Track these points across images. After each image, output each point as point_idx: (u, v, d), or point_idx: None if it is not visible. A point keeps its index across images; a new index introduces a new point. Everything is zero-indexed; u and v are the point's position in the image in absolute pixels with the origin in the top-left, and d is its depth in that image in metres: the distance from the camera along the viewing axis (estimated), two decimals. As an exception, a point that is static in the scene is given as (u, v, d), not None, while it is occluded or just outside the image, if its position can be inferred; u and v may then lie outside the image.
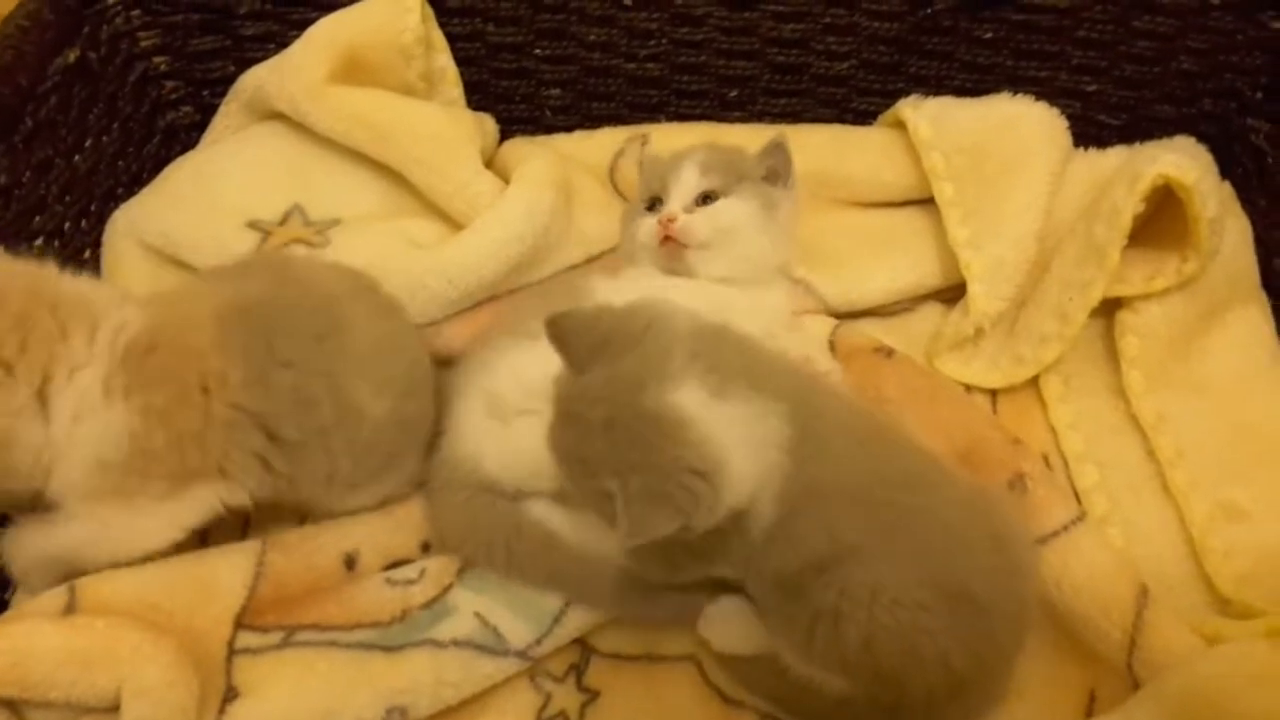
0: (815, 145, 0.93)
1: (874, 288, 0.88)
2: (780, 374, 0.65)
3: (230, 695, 0.62)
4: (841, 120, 0.98)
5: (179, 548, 0.68)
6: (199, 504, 0.66)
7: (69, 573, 0.65)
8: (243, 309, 0.69)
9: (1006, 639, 0.64)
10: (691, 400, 0.60)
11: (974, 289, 0.83)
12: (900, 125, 0.92)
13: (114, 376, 0.63)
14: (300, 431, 0.67)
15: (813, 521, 0.62)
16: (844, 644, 0.61)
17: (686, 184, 0.82)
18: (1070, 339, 0.81)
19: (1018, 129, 0.88)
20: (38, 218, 0.85)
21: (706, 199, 0.82)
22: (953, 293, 0.89)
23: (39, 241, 0.85)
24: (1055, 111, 0.89)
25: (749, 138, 0.92)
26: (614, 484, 0.59)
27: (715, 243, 0.81)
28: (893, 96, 0.94)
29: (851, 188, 0.93)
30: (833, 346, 0.83)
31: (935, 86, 0.95)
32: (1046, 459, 0.80)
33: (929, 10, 0.92)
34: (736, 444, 0.60)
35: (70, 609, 0.63)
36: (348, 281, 0.76)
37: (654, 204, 0.84)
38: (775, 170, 0.84)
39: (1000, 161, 0.87)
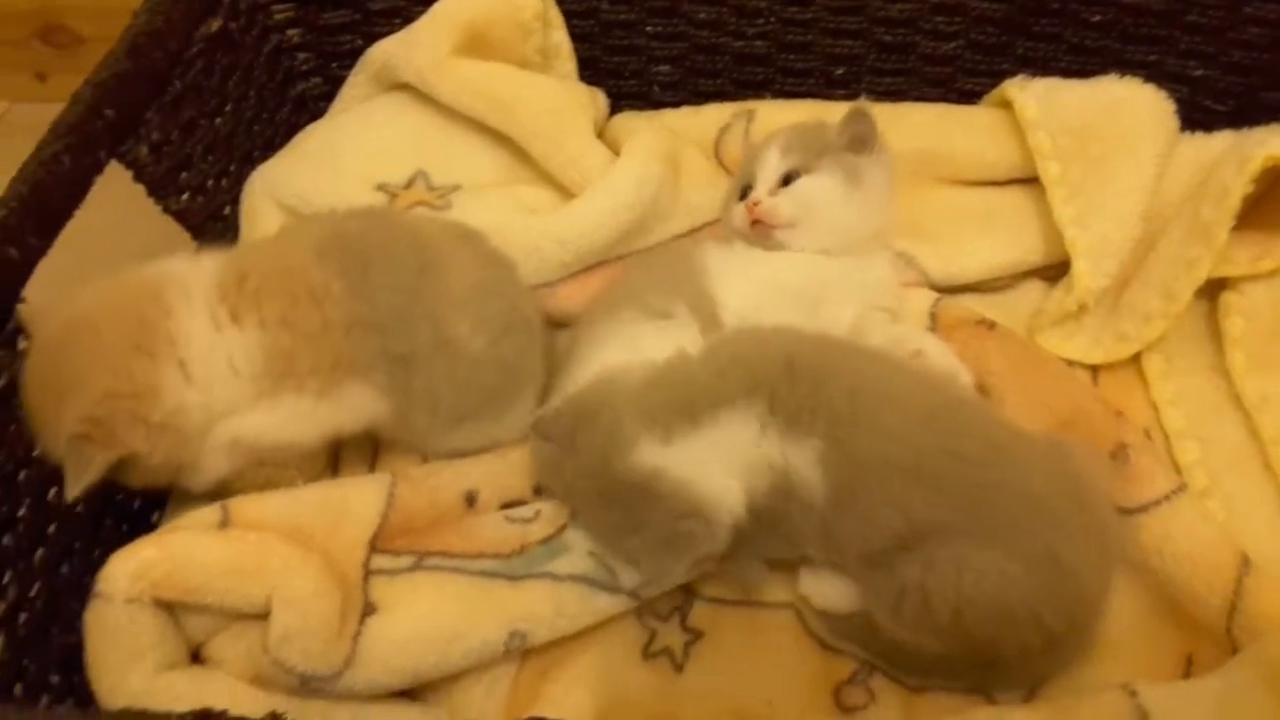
0: (919, 123, 0.95)
1: (976, 263, 0.89)
2: (754, 364, 0.69)
3: (368, 610, 0.67)
4: (946, 100, 1.00)
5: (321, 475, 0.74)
6: (351, 402, 0.72)
7: (240, 463, 0.72)
8: (340, 236, 0.75)
9: (1094, 594, 0.66)
10: (649, 455, 0.67)
11: (1079, 265, 0.84)
12: (1005, 105, 0.93)
13: (216, 311, 0.70)
14: (406, 348, 0.73)
15: (880, 499, 0.64)
16: (933, 615, 0.64)
17: (770, 167, 0.85)
18: (1175, 317, 0.82)
19: (1125, 111, 0.89)
20: (184, 174, 0.91)
21: (789, 179, 0.84)
22: (1054, 271, 0.90)
23: (185, 196, 0.91)
24: (1163, 94, 0.90)
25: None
26: (632, 542, 0.67)
27: (800, 220, 0.83)
28: (998, 77, 0.95)
29: (955, 166, 0.95)
30: (934, 319, 0.85)
31: (1041, 68, 0.97)
32: (1148, 434, 0.80)
33: (1039, -9, 0.94)
34: (698, 471, 0.67)
35: (224, 524, 0.69)
36: (450, 231, 0.82)
37: (745, 191, 0.87)
38: (859, 138, 0.86)
39: (1106, 142, 0.88)
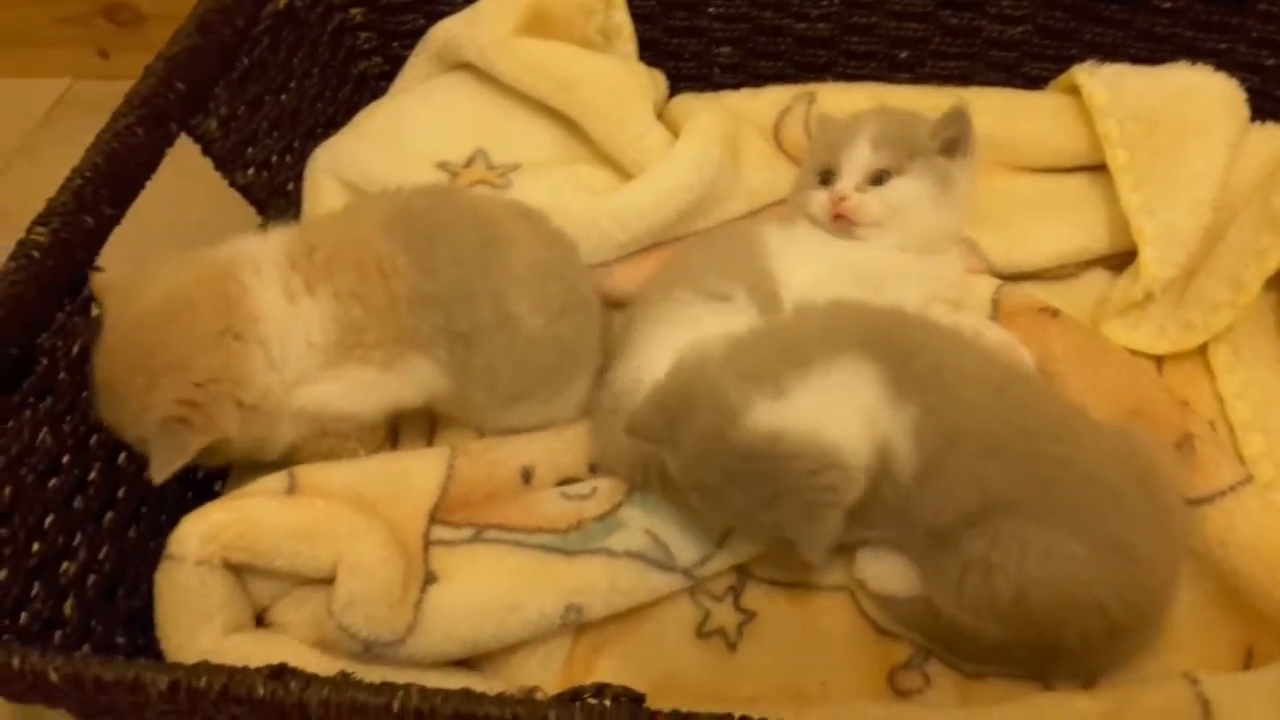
0: (985, 109, 0.93)
1: (1039, 250, 0.89)
2: (850, 326, 0.67)
3: (429, 579, 0.68)
4: (1011, 85, 0.99)
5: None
6: (413, 375, 0.74)
7: (305, 432, 0.73)
8: (406, 213, 0.76)
9: (1161, 584, 0.65)
10: (764, 416, 0.63)
11: (1146, 254, 0.83)
12: (1072, 91, 0.92)
13: (290, 283, 0.71)
14: (467, 324, 0.74)
15: (961, 473, 0.64)
16: (995, 595, 0.63)
17: (859, 160, 0.82)
18: (1243, 307, 0.81)
19: (1195, 98, 0.88)
20: (250, 149, 0.93)
21: (879, 177, 0.82)
22: (1119, 260, 0.89)
23: (250, 170, 0.93)
24: (1234, 83, 0.88)
25: (916, 99, 0.94)
26: (771, 516, 0.63)
27: (886, 221, 0.82)
28: (1065, 63, 0.94)
29: (1020, 152, 0.94)
30: (996, 306, 0.84)
31: (1109, 54, 0.95)
32: (1213, 425, 0.79)
33: (1108, -23, 0.93)
34: (822, 417, 0.63)
35: (291, 491, 0.70)
36: (512, 210, 0.83)
37: (826, 176, 0.84)
38: (953, 141, 0.83)
39: (1176, 129, 0.87)
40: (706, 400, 0.64)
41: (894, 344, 0.66)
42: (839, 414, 0.63)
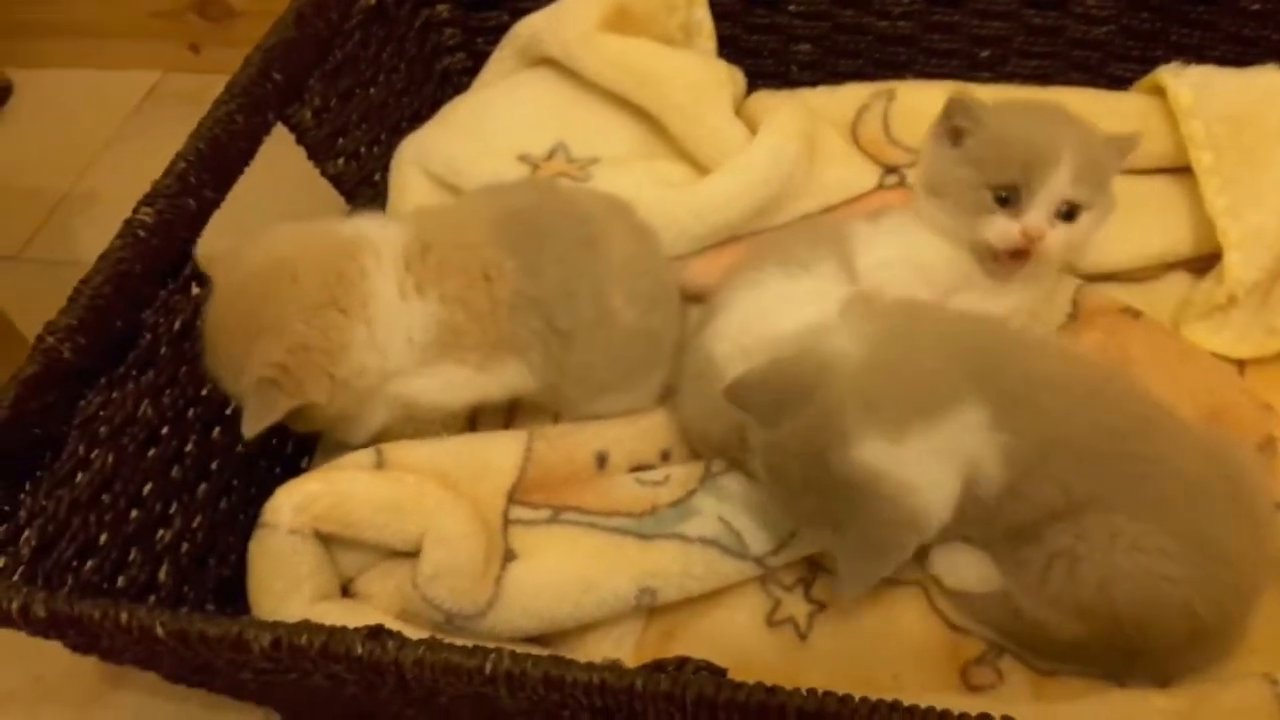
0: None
1: (1121, 251, 0.88)
2: (965, 355, 0.65)
3: (509, 556, 0.70)
4: (1094, 85, 0.97)
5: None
6: (504, 376, 0.76)
7: (397, 416, 0.76)
8: (515, 213, 0.78)
9: (1248, 588, 0.65)
10: (874, 454, 0.61)
11: (1231, 257, 0.82)
12: (1156, 92, 0.91)
13: (404, 281, 0.73)
14: (568, 322, 0.76)
15: (1042, 477, 0.63)
16: (1081, 587, 0.63)
17: (1057, 189, 0.73)
18: (1328, 313, 0.80)
19: (1283, 101, 0.87)
20: (341, 139, 0.96)
21: (1071, 211, 0.74)
22: (1201, 263, 0.88)
23: (341, 160, 0.96)
24: (1323, 85, 0.87)
25: (996, 98, 0.94)
26: (831, 536, 0.64)
27: (1060, 259, 0.76)
28: (1149, 64, 0.93)
29: (1102, 153, 0.93)
30: (1076, 306, 0.84)
31: (1195, 56, 0.93)
32: (1295, 430, 0.78)
33: (1198, -22, 0.92)
34: (926, 476, 0.62)
35: (379, 466, 0.72)
36: (605, 203, 0.85)
37: (1008, 196, 0.74)
38: (1118, 168, 0.77)
39: (1263, 132, 0.85)
40: (822, 410, 0.63)
41: (992, 366, 0.64)
42: (941, 476, 0.62)
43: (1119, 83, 0.98)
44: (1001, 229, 0.74)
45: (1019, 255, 0.74)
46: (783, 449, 0.64)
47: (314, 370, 0.69)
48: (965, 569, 0.71)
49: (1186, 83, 0.89)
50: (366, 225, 0.77)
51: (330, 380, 0.70)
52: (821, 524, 0.64)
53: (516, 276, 0.75)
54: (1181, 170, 0.89)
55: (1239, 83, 0.89)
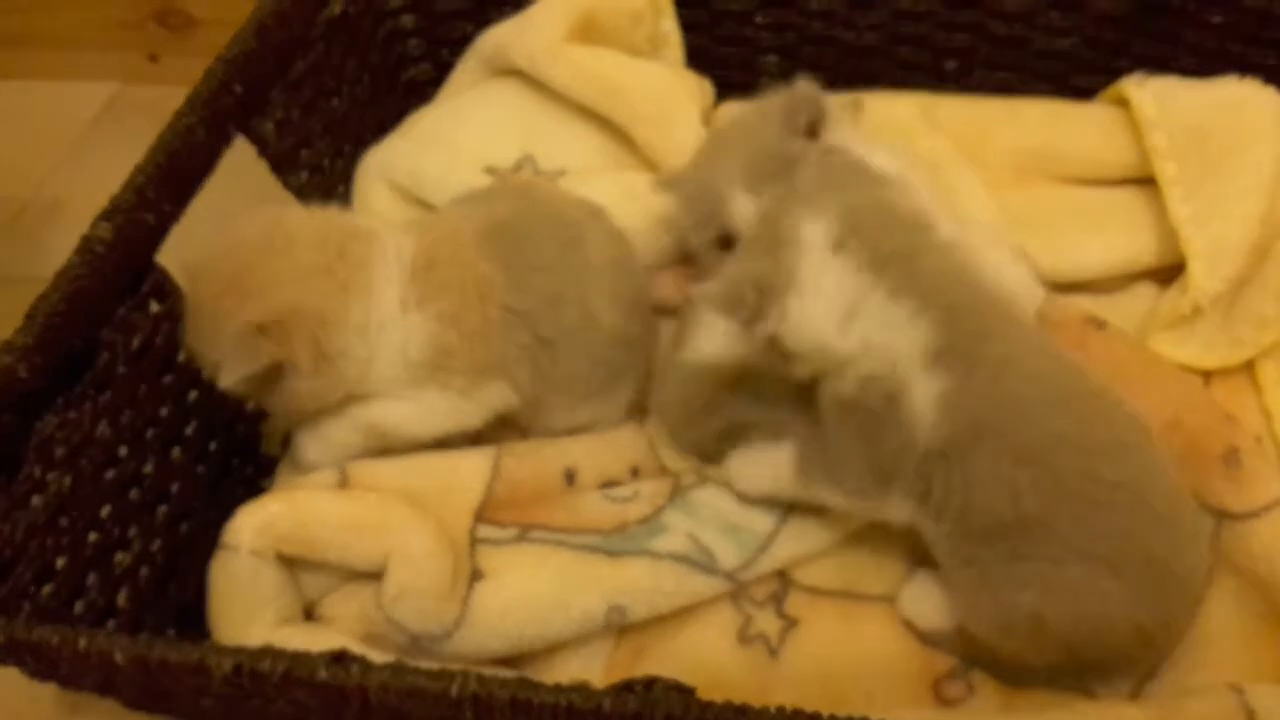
0: (1032, 120, 0.94)
1: (1087, 261, 0.88)
2: (947, 285, 0.65)
3: (475, 576, 0.69)
4: (1059, 96, 0.99)
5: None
6: (488, 401, 0.76)
7: (369, 447, 0.75)
8: (499, 224, 0.78)
9: (1197, 596, 0.67)
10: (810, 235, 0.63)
11: (1194, 266, 0.83)
12: (1120, 103, 0.92)
13: (407, 291, 0.73)
14: (554, 331, 0.75)
15: (992, 470, 0.62)
16: (1015, 623, 0.63)
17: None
18: (1292, 323, 0.81)
19: (1245, 111, 0.87)
20: (304, 151, 0.94)
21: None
22: (1167, 274, 0.88)
23: (304, 174, 0.94)
24: (1284, 96, 0.88)
25: (964, 109, 0.95)
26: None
27: None
28: (1113, 75, 0.94)
29: (1067, 164, 0.94)
30: (1041, 317, 0.84)
31: (1158, 67, 0.95)
32: (1259, 440, 0.78)
33: (1161, -9, 0.93)
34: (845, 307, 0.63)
35: (343, 485, 0.71)
36: (583, 207, 0.84)
37: (723, 239, 0.81)
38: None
39: (1225, 142, 0.86)
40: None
41: (969, 324, 0.64)
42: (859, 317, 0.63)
43: (1083, 94, 0.99)
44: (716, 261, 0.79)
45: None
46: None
47: (304, 330, 0.69)
48: (932, 608, 0.71)
49: (1150, 94, 0.90)
50: (382, 226, 0.77)
51: (317, 348, 0.69)
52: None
53: (505, 291, 0.75)
54: (1146, 181, 0.90)
55: (1202, 94, 0.90)
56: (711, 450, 0.77)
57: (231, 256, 0.71)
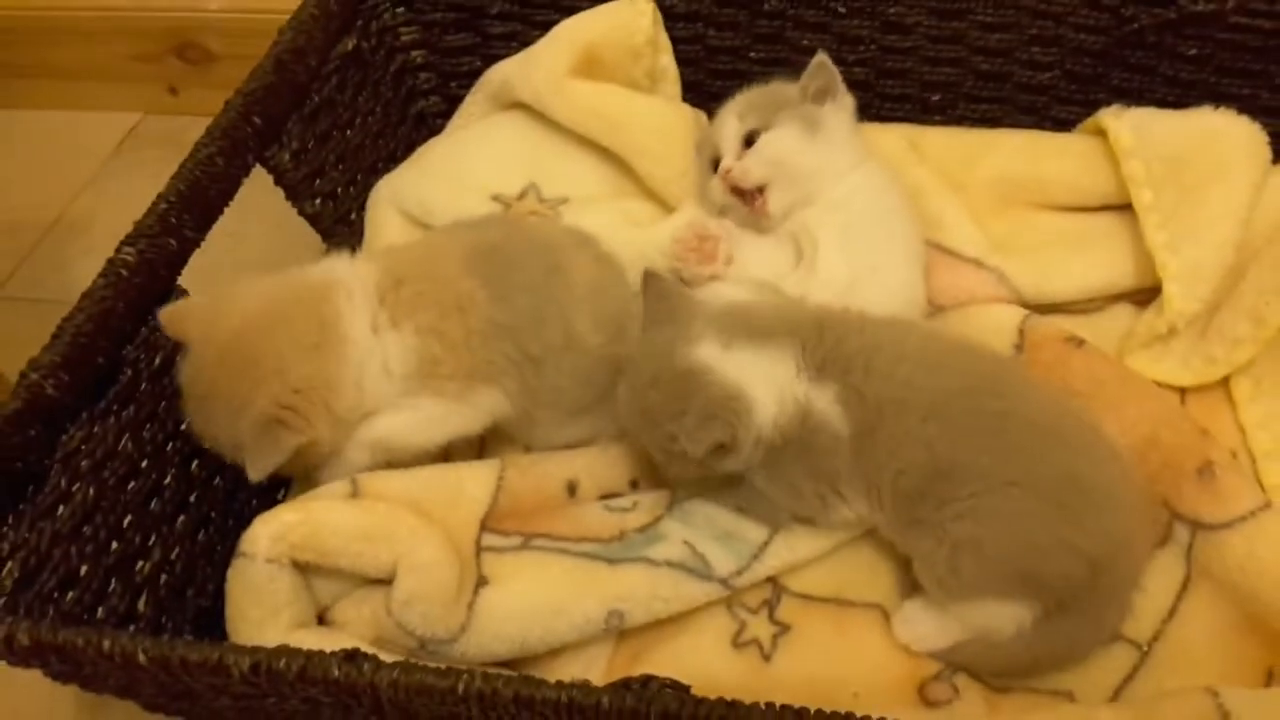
0: (1013, 149, 0.98)
1: (1067, 283, 0.92)
2: (798, 323, 0.76)
3: (481, 582, 0.72)
4: (1040, 127, 1.02)
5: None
6: (483, 405, 0.78)
7: (377, 462, 0.78)
8: (485, 246, 0.81)
9: (1125, 507, 0.70)
10: (708, 353, 0.74)
11: (1170, 289, 0.86)
12: (1099, 133, 0.96)
13: (377, 315, 0.76)
14: (538, 348, 0.79)
15: (899, 433, 0.71)
16: (962, 568, 0.68)
17: (729, 132, 0.90)
18: (1264, 342, 0.83)
19: (1219, 141, 0.91)
20: (318, 180, 0.99)
21: (750, 139, 0.89)
22: (1145, 295, 0.92)
23: (318, 201, 0.99)
24: (1256, 126, 0.91)
25: (948, 140, 0.99)
26: (673, 426, 0.72)
27: (772, 177, 0.88)
28: (1092, 106, 0.98)
29: (1047, 191, 0.97)
30: (1022, 335, 0.88)
31: (1136, 99, 0.99)
32: (1234, 454, 0.81)
33: (1134, 26, 0.96)
34: (751, 379, 0.73)
35: (354, 496, 0.75)
36: (570, 235, 0.89)
37: (715, 165, 0.91)
38: (822, 90, 0.90)
39: (1200, 171, 0.90)
40: (681, 318, 0.76)
41: (825, 333, 0.75)
42: (755, 383, 0.73)
43: (1063, 125, 1.03)
44: (713, 185, 0.91)
45: (737, 191, 0.89)
46: (649, 346, 0.77)
47: (319, 406, 0.72)
48: (926, 630, 0.74)
49: (1127, 124, 0.93)
50: (336, 266, 0.80)
51: (331, 416, 0.73)
52: (665, 418, 0.73)
53: (488, 305, 0.78)
54: (1124, 207, 0.94)
55: (1177, 124, 0.93)
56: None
57: (236, 343, 0.73)
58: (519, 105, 1.05)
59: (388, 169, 1.05)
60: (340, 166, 1.01)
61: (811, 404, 0.73)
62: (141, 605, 0.75)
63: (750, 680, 0.73)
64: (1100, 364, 0.84)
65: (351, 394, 0.74)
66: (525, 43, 1.06)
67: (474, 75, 1.10)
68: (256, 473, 0.70)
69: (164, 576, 0.77)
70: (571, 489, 0.82)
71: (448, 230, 0.91)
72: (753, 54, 1.08)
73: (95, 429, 0.72)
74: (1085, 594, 0.68)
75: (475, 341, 0.77)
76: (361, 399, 0.75)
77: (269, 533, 0.70)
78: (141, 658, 0.57)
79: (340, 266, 0.80)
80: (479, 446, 0.87)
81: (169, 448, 0.79)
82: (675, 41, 1.07)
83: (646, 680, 0.55)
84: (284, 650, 0.54)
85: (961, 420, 0.70)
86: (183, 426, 0.79)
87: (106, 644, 0.57)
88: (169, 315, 0.75)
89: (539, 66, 1.01)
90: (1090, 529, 0.67)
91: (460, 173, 1.01)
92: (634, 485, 0.84)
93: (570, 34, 1.02)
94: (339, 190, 1.01)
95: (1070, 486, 0.68)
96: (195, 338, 0.74)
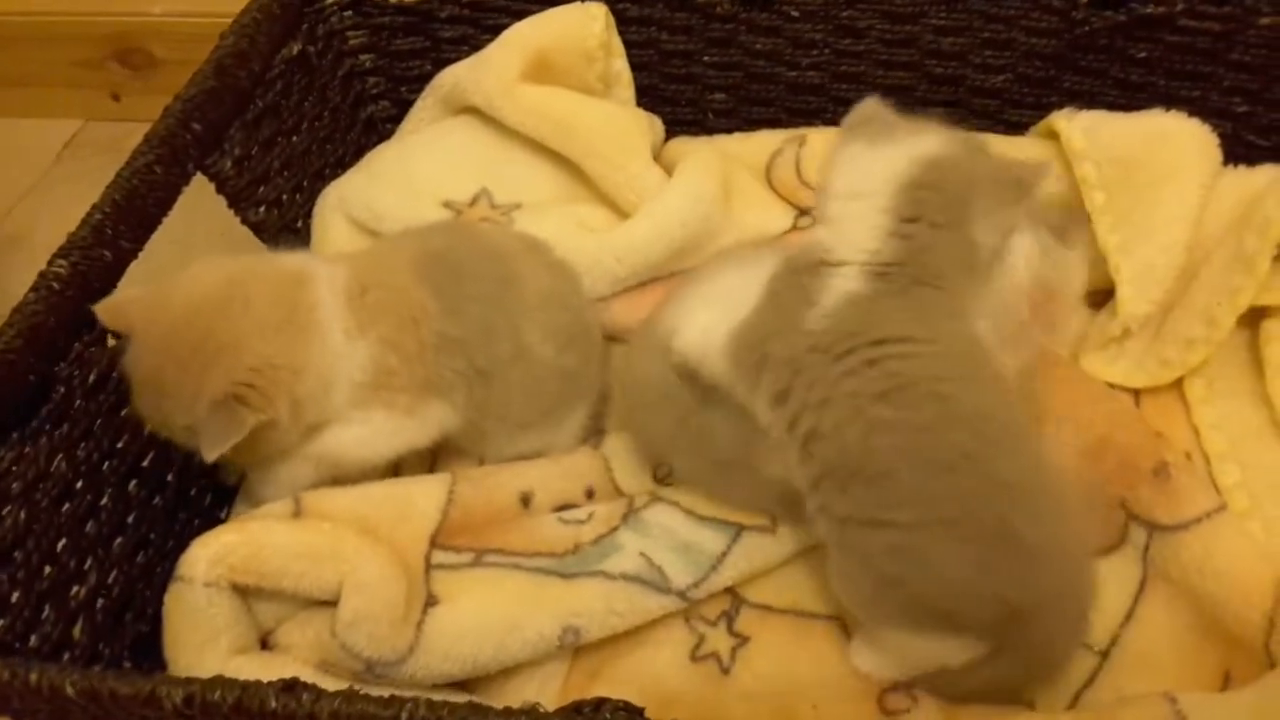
0: (967, 152, 0.97)
1: (1021, 286, 0.92)
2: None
3: (430, 601, 0.70)
4: (993, 131, 1.02)
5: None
6: (431, 419, 0.77)
7: (322, 478, 0.76)
8: (434, 255, 0.79)
9: (1060, 573, 0.65)
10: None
11: (1123, 291, 0.86)
12: (1052, 136, 0.96)
13: (348, 320, 0.74)
14: (487, 360, 0.77)
15: (852, 395, 0.65)
16: (891, 585, 0.64)
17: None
18: (1217, 343, 0.84)
19: (1170, 143, 0.91)
20: (262, 187, 0.96)
21: None
22: (1098, 297, 0.92)
23: (262, 209, 0.96)
24: (1207, 128, 0.92)
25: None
26: None
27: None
28: (1045, 109, 0.98)
29: (1001, 194, 0.97)
30: (979, 338, 0.87)
31: (1087, 101, 0.99)
32: (1189, 455, 0.82)
33: (1085, 29, 0.97)
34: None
35: (297, 515, 0.72)
36: (521, 242, 0.87)
37: None
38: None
39: (1152, 173, 0.90)
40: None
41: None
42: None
43: (1016, 128, 1.03)
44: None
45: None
46: None
47: (279, 385, 0.70)
48: (884, 657, 0.72)
49: (1078, 127, 0.93)
50: (309, 261, 0.78)
51: (291, 398, 0.70)
52: None
53: (439, 318, 0.76)
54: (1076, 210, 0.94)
55: (1128, 126, 0.94)
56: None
57: (188, 319, 0.70)
58: (470, 110, 1.03)
59: (335, 175, 1.03)
60: (285, 173, 0.99)
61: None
62: (77, 632, 0.72)
63: (709, 694, 0.72)
64: (1055, 365, 0.84)
65: (315, 384, 0.72)
66: (476, 47, 1.04)
67: (424, 79, 1.08)
68: (210, 451, 0.67)
69: (100, 601, 0.74)
70: (525, 500, 0.80)
71: (395, 237, 0.89)
72: (706, 58, 1.07)
73: (26, 449, 0.69)
74: (1019, 637, 0.65)
75: (428, 355, 0.75)
76: (327, 396, 0.73)
77: (207, 555, 0.68)
78: (70, 690, 0.54)
79: (312, 262, 0.78)
80: (430, 460, 0.85)
81: (105, 467, 0.76)
82: (628, 45, 1.06)
83: (600, 703, 0.53)
84: (219, 681, 0.52)
85: (878, 429, 0.64)
86: (119, 444, 0.76)
87: (34, 677, 0.55)
88: (106, 308, 0.72)
89: (490, 70, 1.00)
90: (1025, 590, 0.63)
91: (410, 179, 0.99)
92: (590, 494, 0.82)
93: (522, 38, 1.00)
94: (284, 197, 0.99)
95: (1012, 548, 0.62)
96: (139, 326, 0.71)
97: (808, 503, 0.69)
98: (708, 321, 0.75)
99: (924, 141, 0.72)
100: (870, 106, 0.77)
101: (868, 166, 0.72)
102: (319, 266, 0.77)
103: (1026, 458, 0.67)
